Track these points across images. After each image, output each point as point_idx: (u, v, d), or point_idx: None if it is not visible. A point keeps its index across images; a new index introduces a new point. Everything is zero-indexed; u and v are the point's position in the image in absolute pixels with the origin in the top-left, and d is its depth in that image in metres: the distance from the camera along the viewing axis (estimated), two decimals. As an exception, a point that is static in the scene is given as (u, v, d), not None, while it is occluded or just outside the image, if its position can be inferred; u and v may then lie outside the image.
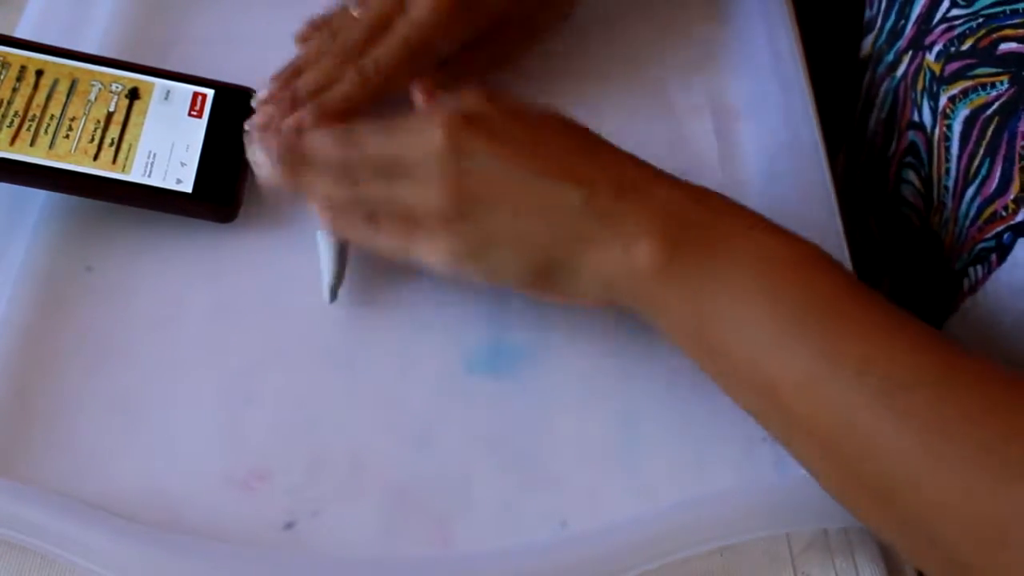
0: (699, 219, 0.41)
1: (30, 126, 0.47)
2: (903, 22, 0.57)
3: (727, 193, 0.43)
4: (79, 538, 0.39)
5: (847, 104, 0.67)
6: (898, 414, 0.36)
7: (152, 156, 0.48)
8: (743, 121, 0.56)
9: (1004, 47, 0.49)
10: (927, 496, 0.36)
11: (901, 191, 0.57)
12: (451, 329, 0.48)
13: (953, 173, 0.51)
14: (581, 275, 0.42)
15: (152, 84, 0.50)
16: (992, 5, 0.50)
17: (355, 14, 0.51)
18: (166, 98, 0.50)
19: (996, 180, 0.48)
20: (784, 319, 0.39)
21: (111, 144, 0.48)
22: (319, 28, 0.52)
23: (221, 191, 0.49)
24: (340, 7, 0.52)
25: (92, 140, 0.48)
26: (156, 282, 0.48)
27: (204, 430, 0.44)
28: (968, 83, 0.50)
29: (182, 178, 0.48)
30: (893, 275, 0.60)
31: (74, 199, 0.48)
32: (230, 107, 0.51)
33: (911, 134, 0.55)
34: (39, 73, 0.49)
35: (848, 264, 0.49)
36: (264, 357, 0.46)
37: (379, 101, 0.49)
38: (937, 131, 0.52)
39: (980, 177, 0.49)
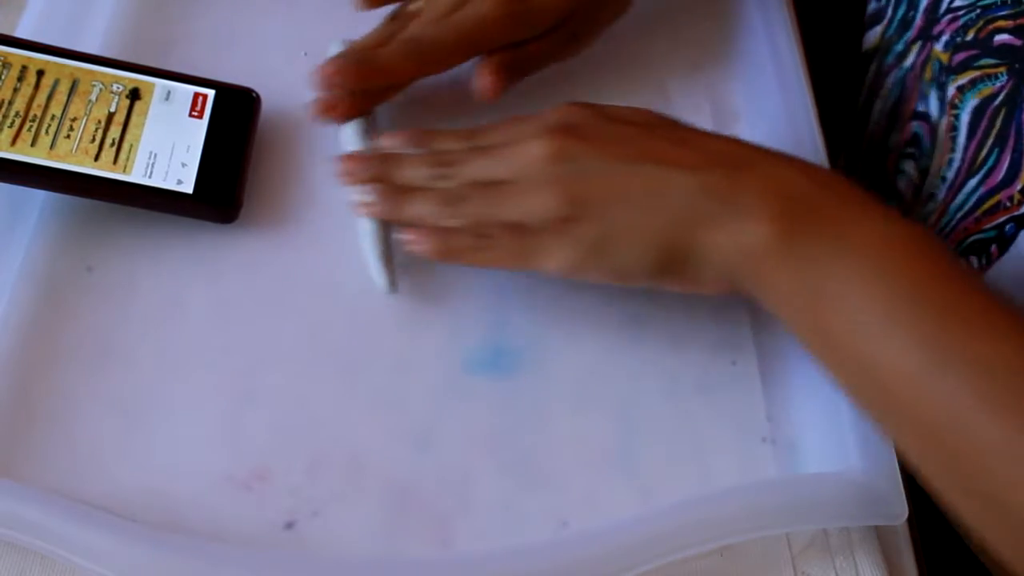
0: (816, 200, 0.41)
1: (31, 126, 0.47)
2: (912, 12, 0.57)
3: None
4: (79, 538, 0.39)
5: (848, 98, 0.67)
6: (1007, 410, 0.35)
7: (153, 156, 0.48)
8: (743, 121, 0.56)
9: (999, 38, 0.49)
10: None
11: (897, 182, 0.57)
12: (451, 329, 0.48)
13: (956, 164, 0.51)
14: (702, 258, 0.42)
15: (153, 84, 0.50)
16: None
17: (420, 4, 0.52)
18: (167, 98, 0.50)
19: (1004, 170, 0.48)
20: (895, 306, 0.38)
21: (112, 144, 0.48)
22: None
23: (222, 192, 0.49)
24: None
25: (93, 140, 0.48)
26: (156, 282, 0.48)
27: (204, 430, 0.44)
28: (976, 73, 0.50)
29: (183, 179, 0.48)
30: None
31: (74, 199, 0.48)
32: (231, 107, 0.51)
33: (915, 124, 0.55)
34: (40, 73, 0.49)
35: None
36: (264, 357, 0.46)
37: (421, 76, 0.51)
38: (944, 121, 0.52)
39: (987, 167, 0.49)
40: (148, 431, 0.44)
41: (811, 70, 0.57)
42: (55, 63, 0.49)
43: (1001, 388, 0.36)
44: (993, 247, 0.49)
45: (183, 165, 0.49)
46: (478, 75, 0.51)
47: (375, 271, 0.47)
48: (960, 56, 0.51)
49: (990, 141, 0.49)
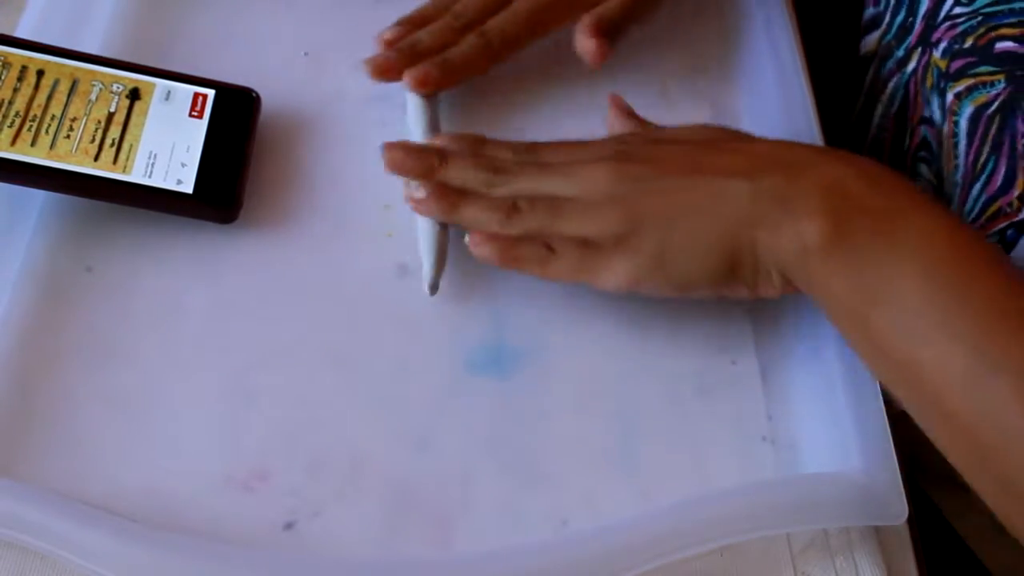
0: (870, 200, 0.41)
1: (31, 126, 0.47)
2: (912, 18, 0.57)
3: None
4: (79, 538, 0.39)
5: (847, 101, 0.67)
6: None
7: (153, 156, 0.48)
8: (743, 121, 0.56)
9: (1000, 46, 0.49)
10: None
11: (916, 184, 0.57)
12: (452, 329, 0.48)
13: (961, 170, 0.51)
14: (760, 262, 0.43)
15: (153, 84, 0.50)
16: (991, 4, 0.50)
17: None
18: (167, 98, 0.50)
19: (1001, 177, 0.48)
20: (945, 309, 0.38)
21: (112, 144, 0.48)
22: None
23: (222, 192, 0.49)
24: None
25: (93, 140, 0.48)
26: (156, 282, 0.48)
27: (204, 430, 0.44)
28: (972, 81, 0.50)
29: (183, 179, 0.48)
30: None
31: (74, 199, 0.48)
32: (231, 107, 0.51)
33: (923, 129, 0.55)
34: (40, 73, 0.49)
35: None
36: (264, 357, 0.46)
37: (494, 65, 0.53)
38: (946, 127, 0.52)
39: (986, 174, 0.49)
40: (148, 431, 0.44)
41: (812, 73, 0.57)
42: (55, 63, 0.49)
43: None
44: None
45: (183, 165, 0.49)
46: (581, 40, 0.52)
47: (425, 269, 0.48)
48: (957, 63, 0.51)
49: (987, 148, 0.49)
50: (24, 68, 0.49)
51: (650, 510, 0.43)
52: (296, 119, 0.54)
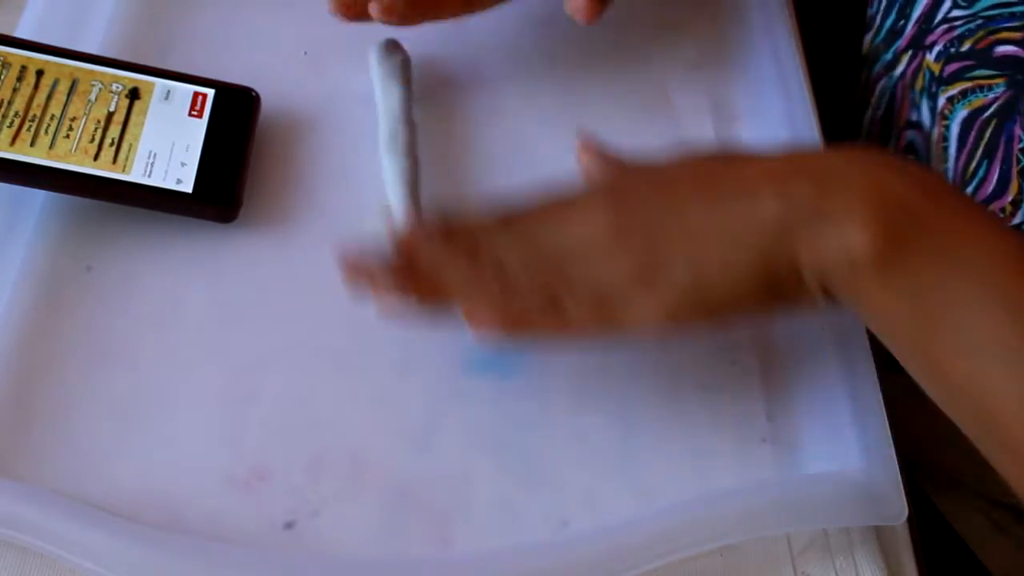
0: (921, 208, 0.37)
1: (30, 126, 0.47)
2: (903, 22, 0.57)
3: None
4: (79, 538, 0.39)
5: (847, 102, 0.67)
6: None
7: (152, 156, 0.48)
8: (743, 121, 0.56)
9: (1001, 49, 0.49)
10: None
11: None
12: (451, 329, 0.48)
13: (950, 175, 0.51)
14: (801, 278, 0.39)
15: (152, 84, 0.50)
16: (992, 7, 0.50)
17: None
18: (166, 98, 0.50)
19: (994, 182, 0.48)
20: (1012, 327, 0.35)
21: (111, 144, 0.48)
22: None
23: (221, 191, 0.49)
24: None
25: (92, 140, 0.48)
26: (156, 282, 0.48)
27: (204, 430, 0.44)
28: (967, 84, 0.50)
29: (182, 178, 0.48)
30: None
31: (74, 199, 0.48)
32: (230, 107, 0.51)
33: (910, 133, 0.55)
34: (39, 73, 0.49)
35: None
36: (264, 357, 0.46)
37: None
38: (935, 132, 0.52)
39: (977, 179, 0.49)
40: (148, 431, 0.44)
41: (812, 73, 0.57)
42: (55, 63, 0.49)
43: None
44: None
45: (183, 164, 0.49)
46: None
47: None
48: (952, 67, 0.51)
49: (979, 153, 0.49)
50: (24, 68, 0.49)
51: (650, 510, 0.43)
52: (296, 119, 0.54)
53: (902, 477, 0.42)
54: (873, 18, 0.61)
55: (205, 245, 0.49)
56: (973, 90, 0.50)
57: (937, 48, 0.52)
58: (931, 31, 0.54)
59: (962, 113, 0.50)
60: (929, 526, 0.49)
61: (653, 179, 0.42)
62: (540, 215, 0.42)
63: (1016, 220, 0.47)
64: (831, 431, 0.44)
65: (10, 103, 0.48)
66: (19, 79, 0.48)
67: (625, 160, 0.44)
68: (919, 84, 0.54)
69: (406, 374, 0.46)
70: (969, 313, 0.36)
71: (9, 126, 0.47)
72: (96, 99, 0.49)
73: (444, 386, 0.46)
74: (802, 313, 0.40)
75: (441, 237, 0.42)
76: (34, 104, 0.48)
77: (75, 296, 0.47)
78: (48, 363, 0.45)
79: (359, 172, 0.52)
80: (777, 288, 0.39)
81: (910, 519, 0.42)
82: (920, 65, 0.54)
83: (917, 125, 0.54)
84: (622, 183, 0.42)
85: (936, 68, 0.52)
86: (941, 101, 0.52)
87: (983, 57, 0.50)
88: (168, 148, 0.49)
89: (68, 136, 0.48)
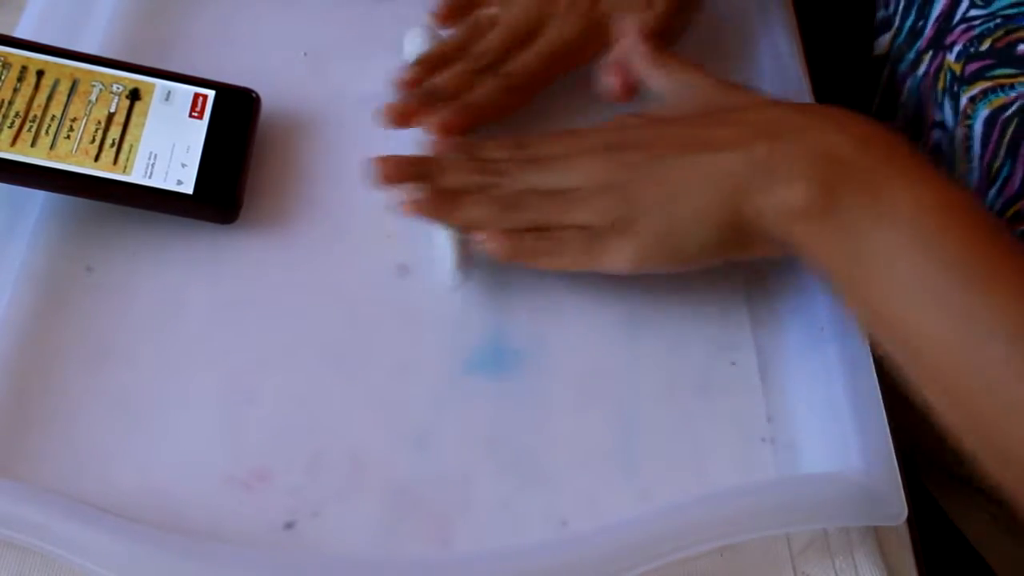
0: (859, 164, 0.41)
1: (31, 127, 0.47)
2: (922, 22, 0.57)
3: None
4: (79, 538, 0.39)
5: (857, 102, 0.66)
6: None
7: (153, 157, 0.48)
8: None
9: (1023, 48, 0.48)
10: None
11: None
12: (451, 329, 0.48)
13: (975, 174, 0.51)
14: (757, 226, 0.43)
15: (153, 85, 0.50)
16: (1010, 6, 0.50)
17: (494, 11, 0.53)
18: (167, 99, 0.50)
19: (1019, 180, 0.48)
20: (936, 274, 0.38)
21: (112, 145, 0.48)
22: (456, 12, 0.54)
23: (222, 192, 0.49)
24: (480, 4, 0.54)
25: (93, 141, 0.48)
26: (156, 282, 0.48)
27: (204, 430, 0.44)
28: (988, 84, 0.50)
29: (183, 179, 0.48)
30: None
31: (74, 199, 0.48)
32: (231, 108, 0.51)
33: (936, 133, 0.55)
34: (40, 74, 0.49)
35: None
36: (264, 357, 0.46)
37: (515, 110, 0.52)
38: (959, 132, 0.52)
39: (1002, 178, 0.49)
40: (148, 431, 0.44)
41: (817, 73, 0.57)
42: (55, 63, 0.49)
43: None
44: None
45: (183, 165, 0.49)
46: (604, 79, 0.51)
47: (450, 273, 0.47)
48: (973, 66, 0.51)
49: (1002, 152, 0.49)
50: (24, 68, 0.49)
51: (650, 510, 0.43)
52: (296, 119, 0.54)
53: (902, 476, 0.42)
54: (891, 19, 0.61)
55: (205, 246, 0.49)
56: (994, 89, 0.50)
57: (957, 48, 0.52)
58: (950, 31, 0.53)
59: (984, 112, 0.50)
60: (929, 526, 0.49)
61: (647, 130, 0.47)
62: (550, 156, 0.47)
63: None
64: (831, 431, 0.44)
65: (11, 103, 0.48)
66: (20, 79, 0.48)
67: (641, 112, 0.49)
68: (941, 84, 0.54)
69: (406, 374, 0.46)
70: (898, 260, 0.39)
71: (10, 127, 0.47)
72: (97, 100, 0.49)
73: (444, 386, 0.46)
74: (766, 256, 0.45)
75: (465, 151, 0.48)
76: (35, 105, 0.48)
77: (75, 296, 0.47)
78: (48, 363, 0.45)
79: (359, 172, 0.52)
80: (740, 236, 0.44)
81: (910, 519, 0.42)
82: (941, 65, 0.54)
83: (942, 125, 0.54)
84: (623, 131, 0.47)
85: (957, 68, 0.52)
86: (963, 101, 0.52)
87: (1004, 56, 0.49)
88: (168, 149, 0.49)
89: (69, 137, 0.48)
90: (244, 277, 0.49)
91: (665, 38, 0.53)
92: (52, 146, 0.47)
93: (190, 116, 0.50)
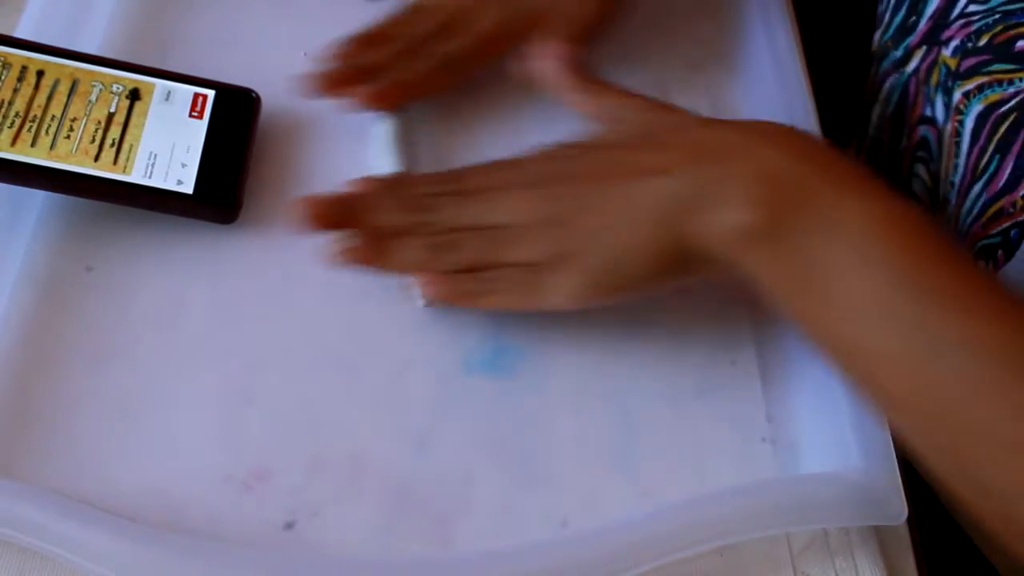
0: (804, 184, 0.40)
1: (31, 127, 0.47)
2: (915, 18, 0.57)
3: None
4: (79, 538, 0.39)
5: (855, 99, 0.66)
6: (998, 395, 0.36)
7: (153, 157, 0.48)
8: (742, 118, 0.56)
9: (1022, 44, 0.48)
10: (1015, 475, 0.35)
11: (912, 186, 0.57)
12: (451, 329, 0.48)
13: (961, 169, 0.51)
14: (700, 251, 0.42)
15: (153, 85, 0.50)
16: (1009, 1, 0.50)
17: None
18: (167, 99, 0.50)
19: (1004, 177, 0.48)
20: (885, 290, 0.38)
21: (112, 145, 0.48)
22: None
23: (222, 192, 0.49)
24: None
25: (93, 141, 0.48)
26: (156, 282, 0.48)
27: (204, 430, 0.44)
28: (984, 79, 0.50)
29: (183, 179, 0.48)
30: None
31: (74, 199, 0.48)
32: (231, 108, 0.51)
33: (922, 129, 0.55)
34: (40, 74, 0.49)
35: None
36: (264, 357, 0.46)
37: (434, 93, 0.52)
38: (949, 126, 0.52)
39: (988, 174, 0.49)
40: (148, 431, 0.44)
41: (818, 72, 0.57)
42: (55, 63, 0.49)
43: (992, 372, 0.36)
44: (999, 252, 0.49)
45: (183, 165, 0.49)
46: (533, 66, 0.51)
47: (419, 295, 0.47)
48: (969, 61, 0.51)
49: (991, 147, 0.49)
50: (24, 68, 0.49)
51: (650, 510, 0.43)
52: (296, 119, 0.54)
53: (902, 476, 0.42)
54: (882, 15, 0.61)
55: (205, 245, 0.49)
56: (990, 84, 0.50)
57: (954, 43, 0.52)
58: (947, 26, 0.53)
59: (977, 108, 0.50)
60: (929, 526, 0.49)
61: (579, 160, 0.46)
62: (480, 189, 0.46)
63: None
64: (831, 431, 0.44)
65: (11, 103, 0.48)
66: (20, 80, 0.48)
67: (568, 142, 0.47)
68: (934, 79, 0.54)
69: (406, 374, 0.46)
70: (847, 275, 0.39)
71: (10, 127, 0.47)
72: (97, 100, 0.49)
73: (444, 386, 0.46)
74: (716, 280, 0.44)
75: (393, 189, 0.47)
76: (35, 105, 0.48)
77: (75, 296, 0.47)
78: (48, 363, 0.45)
79: (359, 172, 0.51)
80: (684, 262, 0.43)
81: (910, 519, 0.42)
82: (935, 60, 0.54)
83: (930, 120, 0.54)
84: (555, 162, 0.46)
85: (953, 63, 0.52)
86: (957, 96, 0.52)
87: (1002, 51, 0.49)
88: (169, 149, 0.49)
89: (69, 137, 0.48)
90: (244, 277, 0.49)
91: (602, 28, 0.53)
92: (52, 146, 0.47)
93: (190, 116, 0.50)
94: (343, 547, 0.42)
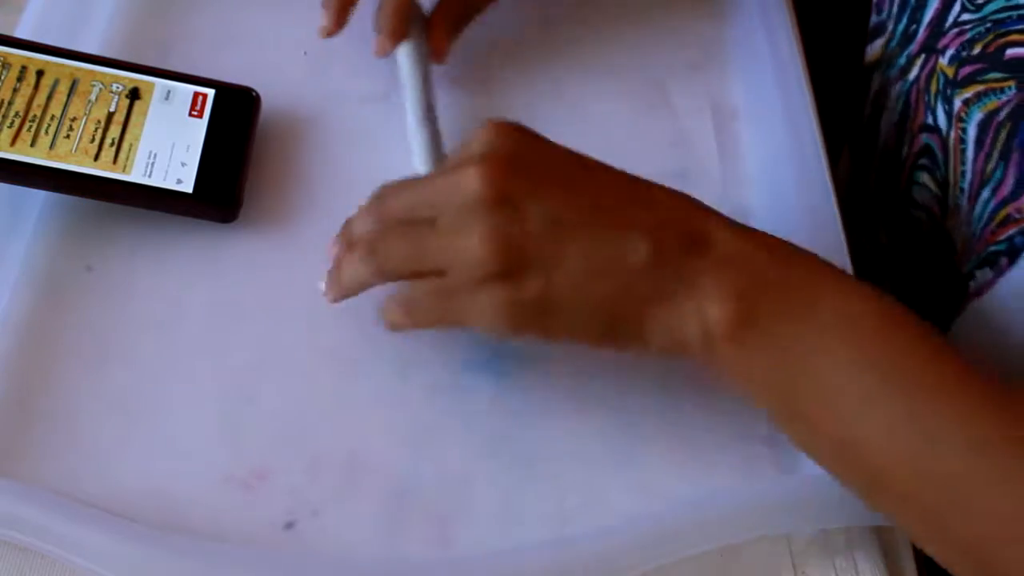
0: (775, 276, 0.39)
1: (31, 126, 0.47)
2: (914, 26, 0.57)
3: (726, 192, 0.43)
4: (79, 538, 0.39)
5: (850, 107, 0.67)
6: (1009, 487, 0.35)
7: (153, 156, 0.48)
8: (743, 121, 0.56)
9: (1011, 52, 0.49)
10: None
11: (913, 193, 0.57)
12: (451, 329, 0.48)
13: (969, 175, 0.51)
14: (650, 333, 0.39)
15: (153, 84, 0.50)
16: (1000, 10, 0.50)
17: None
18: (167, 98, 0.50)
19: (1010, 184, 0.48)
20: (875, 387, 0.37)
21: (112, 144, 0.48)
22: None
23: (222, 191, 0.49)
24: None
25: (93, 140, 0.48)
26: (156, 282, 0.48)
27: (204, 430, 0.44)
28: (980, 87, 0.50)
29: (183, 178, 0.48)
30: (895, 277, 0.60)
31: (74, 199, 0.48)
32: (231, 107, 0.51)
33: (924, 137, 0.55)
34: (40, 73, 0.49)
35: (848, 267, 0.49)
36: (264, 357, 0.46)
37: None
38: (952, 134, 0.52)
39: (995, 180, 0.49)
40: (148, 431, 0.44)
41: (812, 74, 0.57)
42: (55, 63, 0.49)
43: (998, 465, 0.36)
44: (1003, 259, 0.49)
45: (183, 165, 0.49)
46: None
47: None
48: (966, 70, 0.51)
49: (996, 154, 0.49)
50: (24, 68, 0.49)
51: (650, 510, 0.43)
52: (296, 119, 0.54)
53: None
54: (884, 23, 0.61)
55: (205, 245, 0.49)
56: (986, 93, 0.50)
57: (950, 52, 0.53)
58: (943, 35, 0.54)
59: (978, 116, 0.50)
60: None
61: (547, 163, 0.40)
62: (423, 179, 0.42)
63: None
64: (831, 431, 0.44)
65: (10, 103, 0.48)
66: (19, 79, 0.48)
67: (530, 130, 0.41)
68: (934, 87, 0.54)
69: (406, 374, 0.46)
70: (831, 374, 0.37)
71: (10, 126, 0.47)
72: (96, 99, 0.49)
73: (444, 386, 0.46)
74: (644, 357, 0.41)
75: (366, 208, 0.43)
76: (34, 104, 0.48)
77: (75, 296, 0.47)
78: (48, 363, 0.45)
79: (359, 172, 0.51)
80: (616, 333, 0.39)
81: (910, 519, 0.42)
82: (934, 69, 0.54)
83: (933, 128, 0.54)
84: (516, 151, 0.40)
85: (950, 72, 0.52)
86: (957, 104, 0.52)
87: (993, 60, 0.50)
88: (168, 148, 0.49)
89: (68, 136, 0.48)
90: (244, 277, 0.49)
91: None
92: (52, 146, 0.47)
93: (190, 115, 0.50)
94: (343, 547, 0.42)
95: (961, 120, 0.51)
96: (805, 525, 0.43)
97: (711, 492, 0.43)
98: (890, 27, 0.60)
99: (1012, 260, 0.48)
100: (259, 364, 0.46)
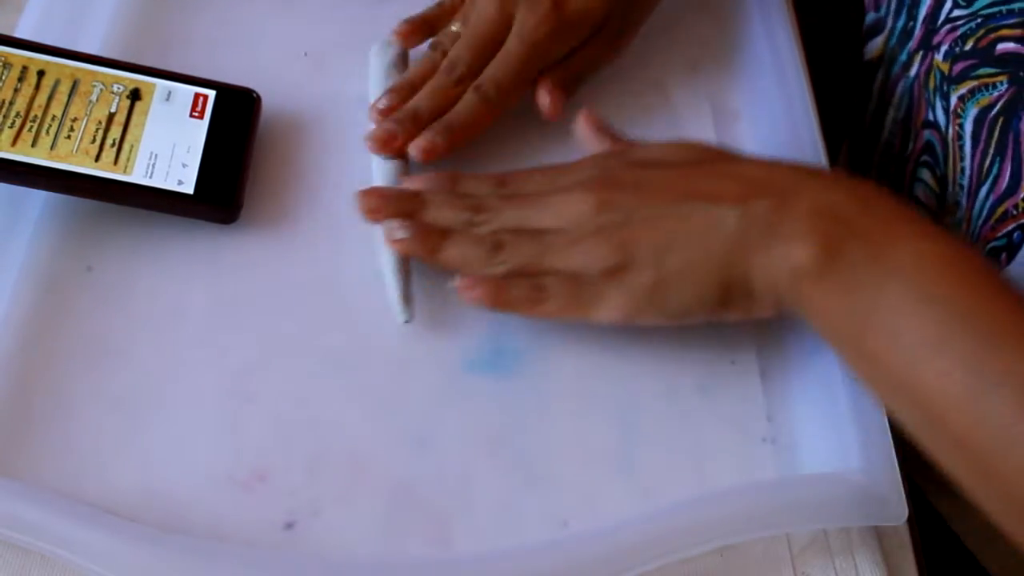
0: (860, 222, 0.41)
1: (31, 127, 0.47)
2: (912, 23, 0.57)
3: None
4: (79, 538, 0.39)
5: (851, 105, 0.67)
6: None
7: (154, 157, 0.48)
8: (743, 121, 0.56)
9: (1001, 47, 0.49)
10: None
11: (915, 190, 0.57)
12: (451, 329, 0.48)
13: (968, 172, 0.51)
14: (754, 287, 0.42)
15: (153, 85, 0.50)
16: (990, 5, 0.50)
17: (455, 29, 0.52)
18: (168, 99, 0.50)
19: (1007, 179, 0.48)
20: (943, 330, 0.38)
21: (112, 145, 0.48)
22: (418, 29, 0.54)
23: (222, 192, 0.49)
24: (437, 10, 0.53)
25: (93, 141, 0.48)
26: (156, 282, 0.48)
27: (204, 430, 0.44)
28: (974, 83, 0.50)
29: (183, 179, 0.48)
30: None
31: (75, 199, 0.48)
32: (232, 108, 0.51)
33: (927, 133, 0.55)
34: (40, 74, 0.49)
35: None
36: (264, 357, 0.46)
37: (497, 119, 0.51)
38: (951, 130, 0.52)
39: (992, 176, 0.49)
40: (148, 431, 0.44)
41: (812, 74, 0.57)
42: (55, 63, 0.49)
43: None
44: (1003, 255, 0.49)
45: (184, 165, 0.49)
46: (539, 96, 0.52)
47: (395, 305, 0.47)
48: (959, 66, 0.51)
49: (992, 150, 0.49)
50: (25, 69, 0.49)
51: (650, 510, 0.43)
52: (296, 119, 0.54)
53: (903, 476, 0.42)
54: (883, 21, 0.61)
55: (205, 245, 0.49)
56: (980, 88, 0.50)
57: (944, 48, 0.53)
58: (936, 31, 0.54)
59: (973, 111, 0.50)
60: (929, 526, 0.49)
61: (639, 171, 0.45)
62: (535, 192, 0.46)
63: None
64: (831, 431, 0.44)
65: (11, 104, 0.48)
66: (20, 80, 0.48)
67: (622, 139, 0.48)
68: (932, 84, 0.54)
69: (406, 374, 0.46)
70: (899, 312, 0.39)
71: (10, 127, 0.47)
72: (97, 100, 0.49)
73: (444, 386, 0.46)
74: (758, 317, 0.44)
75: (448, 186, 0.47)
76: (35, 105, 0.48)
77: (75, 296, 0.47)
78: (48, 363, 0.45)
79: (359, 172, 0.52)
80: (730, 294, 0.43)
81: (910, 519, 0.42)
82: (931, 65, 0.54)
83: (933, 124, 0.54)
84: (614, 170, 0.46)
85: (945, 68, 0.52)
86: (953, 100, 0.52)
87: (985, 55, 0.50)
88: (169, 149, 0.49)
89: (69, 137, 0.48)
90: (244, 277, 0.49)
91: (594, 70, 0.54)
92: (53, 146, 0.47)
93: (191, 116, 0.50)
94: (343, 547, 0.42)
95: (958, 116, 0.51)
96: (805, 525, 0.43)
97: (711, 492, 0.43)
98: (889, 24, 0.60)
99: (1011, 256, 0.48)
100: (259, 364, 0.46)
